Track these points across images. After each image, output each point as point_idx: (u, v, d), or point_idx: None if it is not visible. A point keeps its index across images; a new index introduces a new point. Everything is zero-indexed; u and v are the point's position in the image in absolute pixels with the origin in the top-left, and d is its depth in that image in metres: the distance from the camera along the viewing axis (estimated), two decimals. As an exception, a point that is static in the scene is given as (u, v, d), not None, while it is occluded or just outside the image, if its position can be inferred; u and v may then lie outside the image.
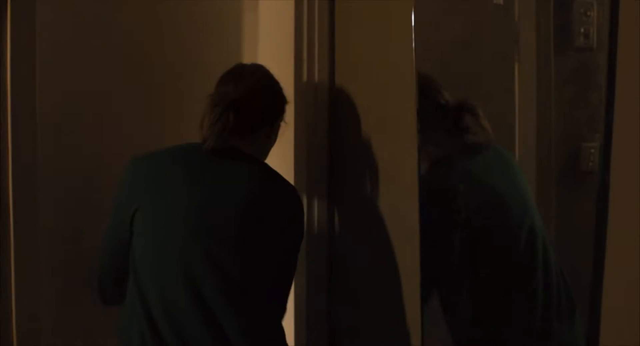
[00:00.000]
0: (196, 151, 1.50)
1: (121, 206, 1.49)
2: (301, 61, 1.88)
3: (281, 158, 1.82)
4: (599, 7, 1.36)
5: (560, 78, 1.45)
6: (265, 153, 1.63)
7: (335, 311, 1.89)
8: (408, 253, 1.63)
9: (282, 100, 1.61)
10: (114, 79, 1.84)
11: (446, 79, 1.61)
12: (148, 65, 1.91)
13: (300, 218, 1.60)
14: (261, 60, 1.87)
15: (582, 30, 1.38)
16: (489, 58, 1.56)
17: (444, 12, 1.63)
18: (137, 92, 1.89)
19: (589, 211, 1.32)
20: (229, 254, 1.44)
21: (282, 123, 1.63)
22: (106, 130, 1.84)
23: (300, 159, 1.89)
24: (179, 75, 1.96)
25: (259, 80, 1.57)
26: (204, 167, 1.49)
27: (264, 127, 1.57)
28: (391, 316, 1.72)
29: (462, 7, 1.60)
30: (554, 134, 1.49)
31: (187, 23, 1.97)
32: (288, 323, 1.72)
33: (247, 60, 1.96)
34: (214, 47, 2.02)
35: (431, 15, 1.60)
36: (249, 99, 1.51)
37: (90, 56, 1.81)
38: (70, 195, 1.79)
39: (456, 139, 1.61)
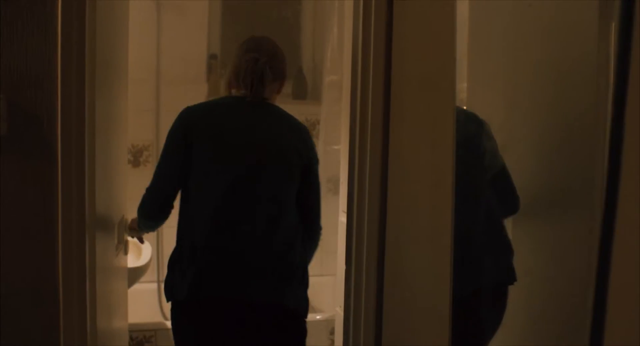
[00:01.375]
0: (239, 101, 2.05)
1: (176, 141, 2.00)
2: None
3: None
4: None
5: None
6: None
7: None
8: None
9: (286, 63, 2.14)
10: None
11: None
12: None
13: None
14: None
15: None
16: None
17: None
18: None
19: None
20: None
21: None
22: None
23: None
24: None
25: (274, 48, 2.09)
26: (249, 113, 2.03)
27: (277, 81, 2.10)
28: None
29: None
30: None
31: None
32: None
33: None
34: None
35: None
36: (273, 62, 2.03)
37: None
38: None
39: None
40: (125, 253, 2.04)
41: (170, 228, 3.92)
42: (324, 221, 2.19)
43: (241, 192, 1.95)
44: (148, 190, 2.08)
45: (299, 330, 2.07)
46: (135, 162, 3.89)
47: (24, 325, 1.55)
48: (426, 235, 1.78)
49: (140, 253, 2.72)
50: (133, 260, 2.69)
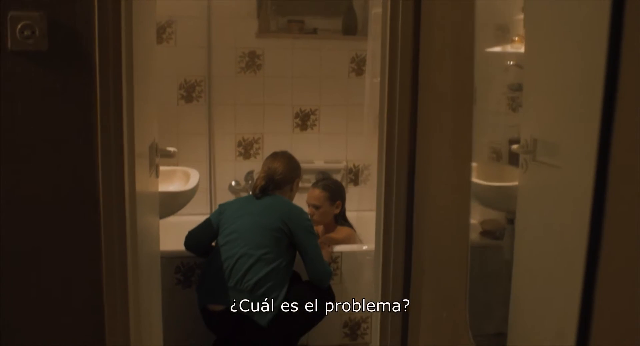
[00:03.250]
0: (250, 197, 3.07)
1: (213, 217, 3.04)
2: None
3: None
4: None
5: None
6: (291, 198, 3.13)
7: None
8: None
9: (297, 171, 3.15)
10: None
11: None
12: None
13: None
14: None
15: None
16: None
17: None
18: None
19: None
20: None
21: (299, 182, 3.20)
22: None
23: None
24: None
25: (285, 160, 3.12)
26: (253, 203, 3.01)
27: (287, 184, 3.09)
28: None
29: None
30: None
31: None
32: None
33: None
34: None
35: None
36: (280, 170, 3.05)
37: None
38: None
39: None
40: (157, 176, 2.12)
41: (225, 161, 4.07)
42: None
43: None
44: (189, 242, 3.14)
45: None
46: (188, 98, 3.99)
47: (64, 223, 1.66)
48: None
49: (188, 179, 2.84)
50: (181, 185, 2.80)
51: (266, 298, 2.77)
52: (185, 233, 3.09)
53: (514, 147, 2.26)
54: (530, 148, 2.12)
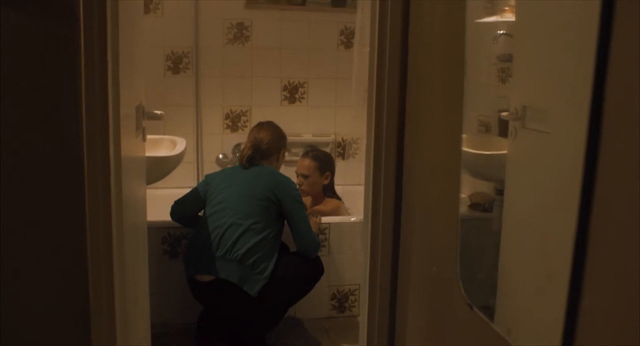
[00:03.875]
0: (237, 167, 3.06)
1: (200, 187, 3.03)
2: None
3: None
4: None
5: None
6: (278, 168, 3.14)
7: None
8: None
9: (283, 140, 3.15)
10: None
11: None
12: None
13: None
14: None
15: None
16: None
17: None
18: None
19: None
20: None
21: (285, 152, 3.20)
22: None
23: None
24: None
25: (270, 129, 3.10)
26: (240, 173, 3.00)
27: (273, 154, 3.08)
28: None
29: None
30: None
31: None
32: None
33: None
34: None
35: None
36: (266, 140, 3.04)
37: None
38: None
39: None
40: (143, 139, 2.08)
41: (212, 134, 4.03)
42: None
43: None
44: (175, 211, 3.16)
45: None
46: (175, 69, 3.95)
47: (47, 181, 1.62)
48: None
49: (175, 147, 2.82)
50: (168, 153, 2.78)
51: (256, 268, 2.76)
52: (172, 205, 3.08)
53: (504, 114, 2.25)
54: (520, 115, 2.11)
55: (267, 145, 3.03)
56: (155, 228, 3.03)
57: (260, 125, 3.14)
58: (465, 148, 2.63)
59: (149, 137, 2.20)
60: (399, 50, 1.95)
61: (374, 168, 2.05)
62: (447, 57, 1.90)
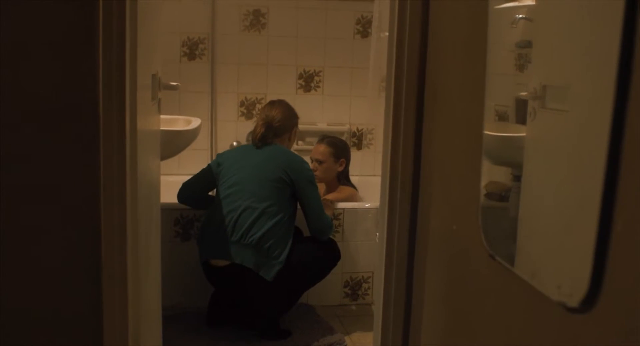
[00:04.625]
0: (250, 146, 3.03)
1: (212, 165, 3.01)
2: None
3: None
4: None
5: None
6: (290, 147, 3.09)
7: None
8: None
9: (295, 119, 3.09)
10: None
11: None
12: None
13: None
14: None
15: None
16: None
17: None
18: None
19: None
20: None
21: (297, 131, 3.14)
22: None
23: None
24: None
25: (282, 108, 3.05)
26: (254, 152, 2.96)
27: (286, 132, 3.03)
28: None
29: None
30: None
31: None
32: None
33: None
34: None
35: None
36: (278, 118, 2.99)
37: None
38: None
39: None
40: (159, 111, 2.06)
41: (227, 121, 4.01)
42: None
43: None
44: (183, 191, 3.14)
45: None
46: (191, 55, 3.94)
47: (61, 139, 1.60)
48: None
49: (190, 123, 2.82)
50: (184, 126, 2.79)
51: (271, 253, 2.74)
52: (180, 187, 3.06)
53: (522, 93, 2.22)
54: (540, 94, 2.08)
55: (280, 123, 2.99)
56: (168, 209, 3.01)
57: (272, 103, 3.11)
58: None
59: (163, 116, 2.18)
60: (418, 39, 1.91)
61: (391, 153, 2.01)
62: (468, 44, 1.86)
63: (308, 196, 2.87)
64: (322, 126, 4.12)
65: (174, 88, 2.09)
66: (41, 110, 1.57)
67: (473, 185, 1.57)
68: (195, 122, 2.79)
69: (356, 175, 3.82)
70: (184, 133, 2.69)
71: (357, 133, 4.23)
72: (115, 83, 1.56)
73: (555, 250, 1.12)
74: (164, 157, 2.30)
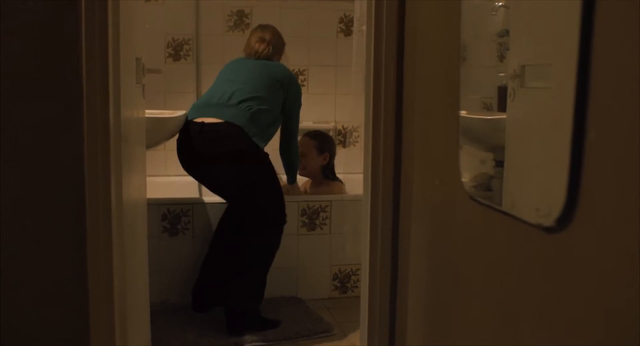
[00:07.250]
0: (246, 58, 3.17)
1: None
2: None
3: None
4: None
5: None
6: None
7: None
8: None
9: (283, 43, 3.25)
10: None
11: None
12: None
13: None
14: None
15: None
16: None
17: None
18: None
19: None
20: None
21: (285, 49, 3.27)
22: None
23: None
24: None
25: (273, 31, 3.20)
26: (252, 61, 3.10)
27: (277, 53, 3.19)
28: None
29: None
30: None
31: None
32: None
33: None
34: None
35: None
36: (269, 38, 3.14)
37: None
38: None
39: None
40: (143, 96, 2.07)
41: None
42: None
43: None
44: None
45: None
46: (176, 56, 3.96)
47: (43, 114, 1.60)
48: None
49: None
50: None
51: (262, 123, 2.88)
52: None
53: (501, 74, 2.25)
54: (518, 73, 2.11)
55: (275, 42, 3.17)
56: (155, 204, 3.02)
57: (263, 26, 3.23)
58: (463, 114, 2.63)
59: (148, 110, 2.19)
60: (395, 32, 1.93)
61: (372, 149, 2.01)
62: (443, 37, 1.88)
63: (292, 111, 3.09)
64: (308, 124, 4.15)
65: (157, 71, 2.11)
66: (22, 91, 1.58)
67: (451, 138, 1.60)
68: (180, 112, 2.81)
69: (341, 173, 3.84)
70: (168, 120, 2.70)
71: (343, 131, 4.26)
72: (99, 64, 1.57)
73: (533, 175, 1.15)
74: (149, 146, 2.32)
